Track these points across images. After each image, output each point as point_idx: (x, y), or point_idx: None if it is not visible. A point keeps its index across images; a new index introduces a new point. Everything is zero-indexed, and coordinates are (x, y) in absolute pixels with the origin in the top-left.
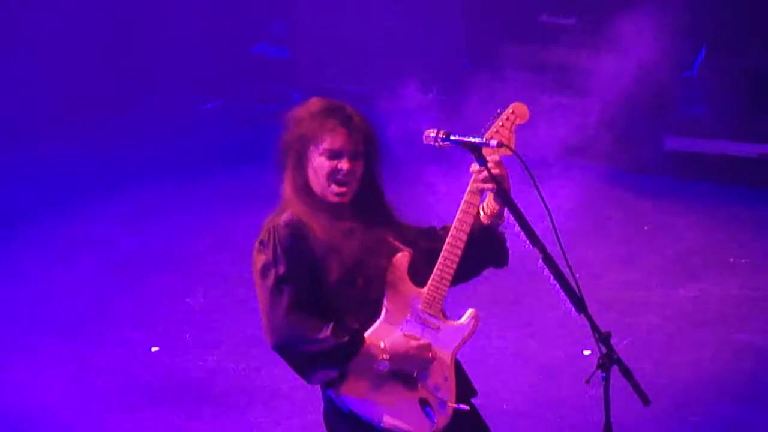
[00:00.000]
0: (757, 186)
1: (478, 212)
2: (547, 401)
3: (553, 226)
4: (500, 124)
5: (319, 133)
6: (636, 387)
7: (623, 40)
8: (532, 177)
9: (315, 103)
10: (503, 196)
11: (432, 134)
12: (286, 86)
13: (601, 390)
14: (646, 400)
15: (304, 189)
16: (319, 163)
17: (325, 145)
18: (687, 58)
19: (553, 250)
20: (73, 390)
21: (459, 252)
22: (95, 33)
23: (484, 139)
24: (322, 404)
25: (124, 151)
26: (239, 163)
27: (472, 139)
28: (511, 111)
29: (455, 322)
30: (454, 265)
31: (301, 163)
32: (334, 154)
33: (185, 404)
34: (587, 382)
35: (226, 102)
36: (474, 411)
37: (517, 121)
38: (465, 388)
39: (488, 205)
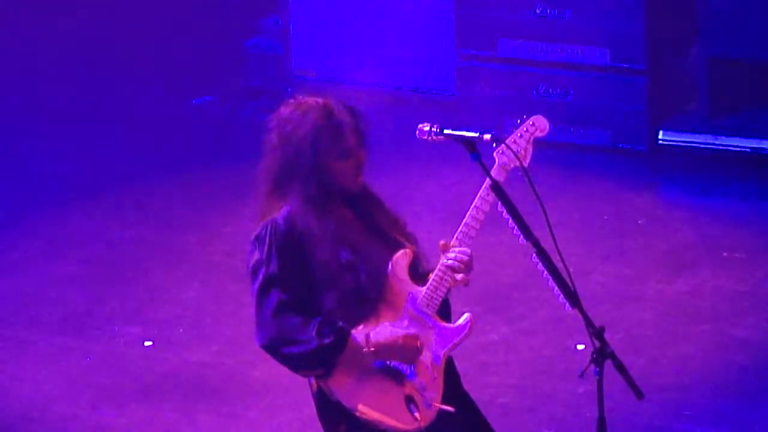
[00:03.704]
0: (752, 180)
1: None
2: (541, 396)
3: (547, 220)
4: (519, 134)
5: (334, 139)
6: (630, 381)
7: (616, 33)
8: (527, 174)
9: (313, 109)
10: (497, 190)
11: (426, 128)
12: (280, 81)
13: (595, 384)
14: (639, 394)
15: (314, 192)
16: (340, 166)
17: (343, 145)
18: (682, 51)
19: (547, 244)
20: (65, 385)
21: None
22: (84, 27)
23: (494, 144)
24: (313, 392)
25: (115, 146)
26: (230, 158)
27: (466, 133)
28: (531, 123)
29: (450, 324)
30: (453, 272)
31: (314, 171)
32: (351, 152)
33: (179, 399)
34: (581, 376)
35: (218, 97)
36: (472, 406)
37: (537, 134)
38: (453, 389)
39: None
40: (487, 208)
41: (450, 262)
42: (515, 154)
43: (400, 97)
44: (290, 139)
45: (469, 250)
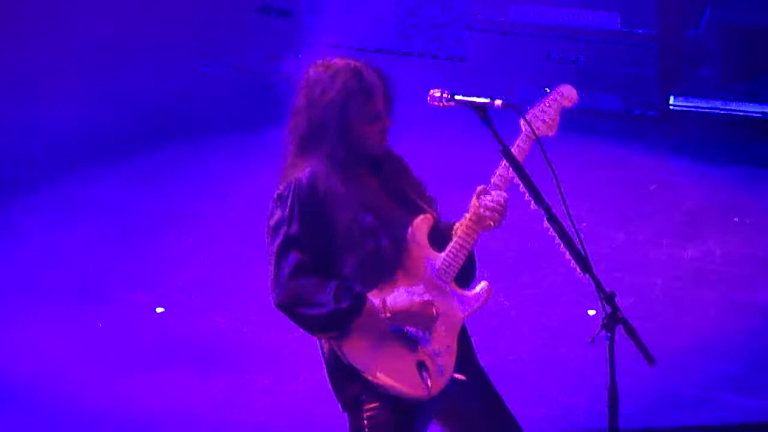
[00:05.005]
0: (763, 146)
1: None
2: (552, 361)
3: (558, 185)
4: (547, 104)
5: (363, 103)
6: (641, 346)
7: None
8: (539, 143)
9: (342, 72)
10: (508, 155)
11: (437, 94)
12: (290, 47)
13: (606, 350)
14: (651, 360)
15: (339, 155)
16: (367, 130)
17: (371, 110)
18: (693, 16)
19: (558, 210)
20: (77, 352)
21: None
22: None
23: (520, 114)
24: (324, 354)
25: (126, 113)
26: (242, 125)
27: (477, 99)
28: (560, 93)
29: (467, 292)
30: (477, 235)
31: (341, 134)
32: (378, 116)
33: (190, 366)
34: (592, 341)
35: (228, 64)
36: (483, 374)
37: (565, 104)
38: (466, 356)
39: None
40: (521, 156)
41: (486, 203)
42: (532, 129)
43: (411, 62)
44: (319, 102)
45: (505, 194)
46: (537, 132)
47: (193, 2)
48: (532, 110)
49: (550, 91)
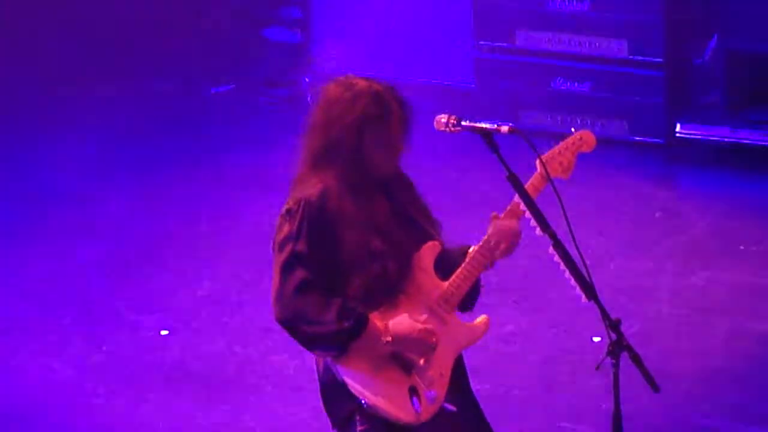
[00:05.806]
0: None
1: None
2: (557, 388)
3: (564, 212)
4: (564, 146)
5: (381, 129)
6: (646, 374)
7: (634, 25)
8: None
9: (363, 95)
10: (514, 182)
11: (443, 119)
12: (298, 71)
13: (611, 377)
14: (655, 387)
15: (351, 175)
16: (381, 153)
17: (388, 135)
18: (700, 44)
19: (564, 236)
20: (81, 373)
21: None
22: (102, 15)
23: (539, 156)
24: (318, 371)
25: (133, 134)
26: (248, 148)
27: (483, 125)
28: (578, 137)
29: (466, 324)
30: (483, 268)
31: (355, 156)
32: (394, 142)
33: (195, 388)
34: (597, 368)
35: (237, 86)
36: (475, 405)
37: (583, 149)
38: (459, 386)
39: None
40: (534, 194)
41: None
42: (546, 171)
43: (417, 88)
44: (336, 122)
45: (516, 223)
46: (552, 173)
47: (203, 24)
48: (549, 151)
49: (569, 134)
